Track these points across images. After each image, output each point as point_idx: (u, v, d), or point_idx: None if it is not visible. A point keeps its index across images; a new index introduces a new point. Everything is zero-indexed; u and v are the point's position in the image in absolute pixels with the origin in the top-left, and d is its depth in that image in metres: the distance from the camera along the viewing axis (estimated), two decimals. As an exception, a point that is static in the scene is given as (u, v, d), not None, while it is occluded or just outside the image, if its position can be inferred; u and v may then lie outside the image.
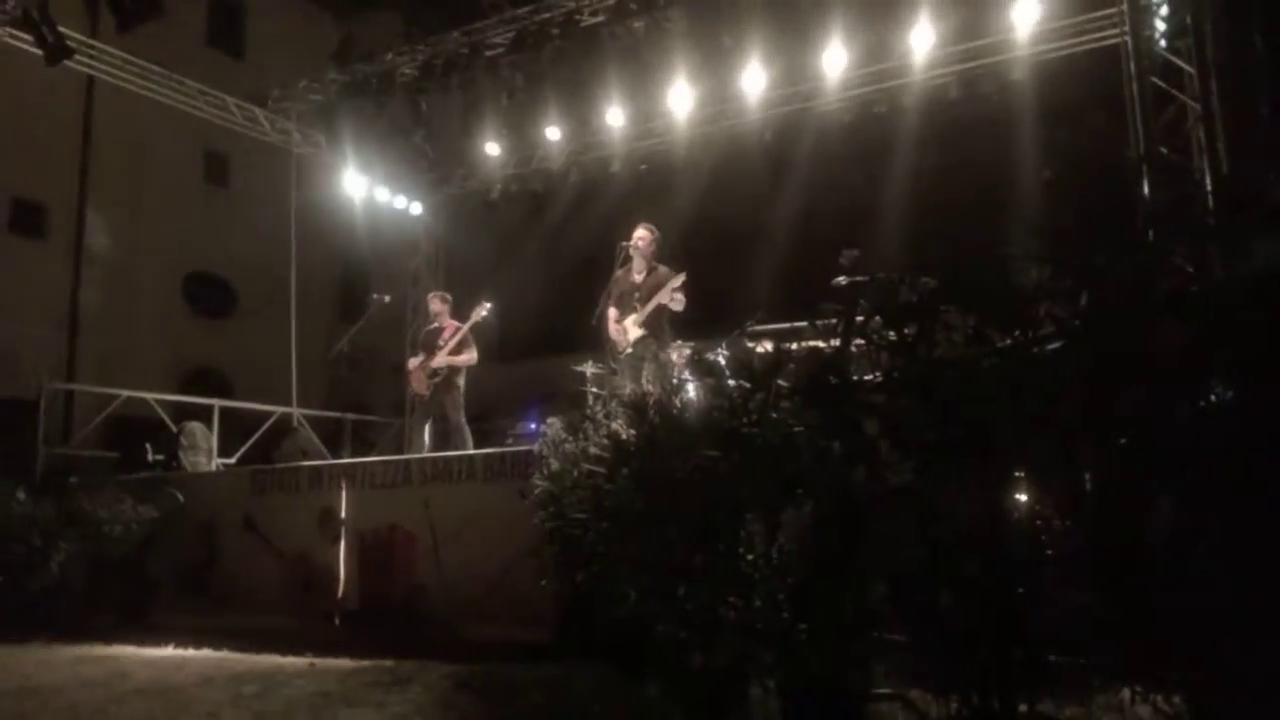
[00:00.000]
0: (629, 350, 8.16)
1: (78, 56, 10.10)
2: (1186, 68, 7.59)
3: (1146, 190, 6.44)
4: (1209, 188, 6.23)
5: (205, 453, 10.17)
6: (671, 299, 8.00)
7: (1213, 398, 2.40)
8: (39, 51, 9.56)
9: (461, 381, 9.59)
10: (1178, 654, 2.32)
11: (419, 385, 9.63)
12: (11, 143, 16.65)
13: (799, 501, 3.16)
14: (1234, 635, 2.20)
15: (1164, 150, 7.28)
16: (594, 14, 9.91)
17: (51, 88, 14.54)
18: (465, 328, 9.42)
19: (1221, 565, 2.26)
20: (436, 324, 9.83)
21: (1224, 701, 2.25)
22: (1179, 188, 6.51)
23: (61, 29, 9.65)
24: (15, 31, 9.61)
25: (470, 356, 9.50)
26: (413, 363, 9.81)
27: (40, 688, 5.42)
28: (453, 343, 9.43)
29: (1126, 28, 7.62)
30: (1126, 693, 2.49)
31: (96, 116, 18.33)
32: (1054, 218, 2.60)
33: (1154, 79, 7.39)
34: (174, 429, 10.28)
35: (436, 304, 9.94)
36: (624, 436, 4.41)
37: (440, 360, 9.43)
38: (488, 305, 9.36)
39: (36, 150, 17.22)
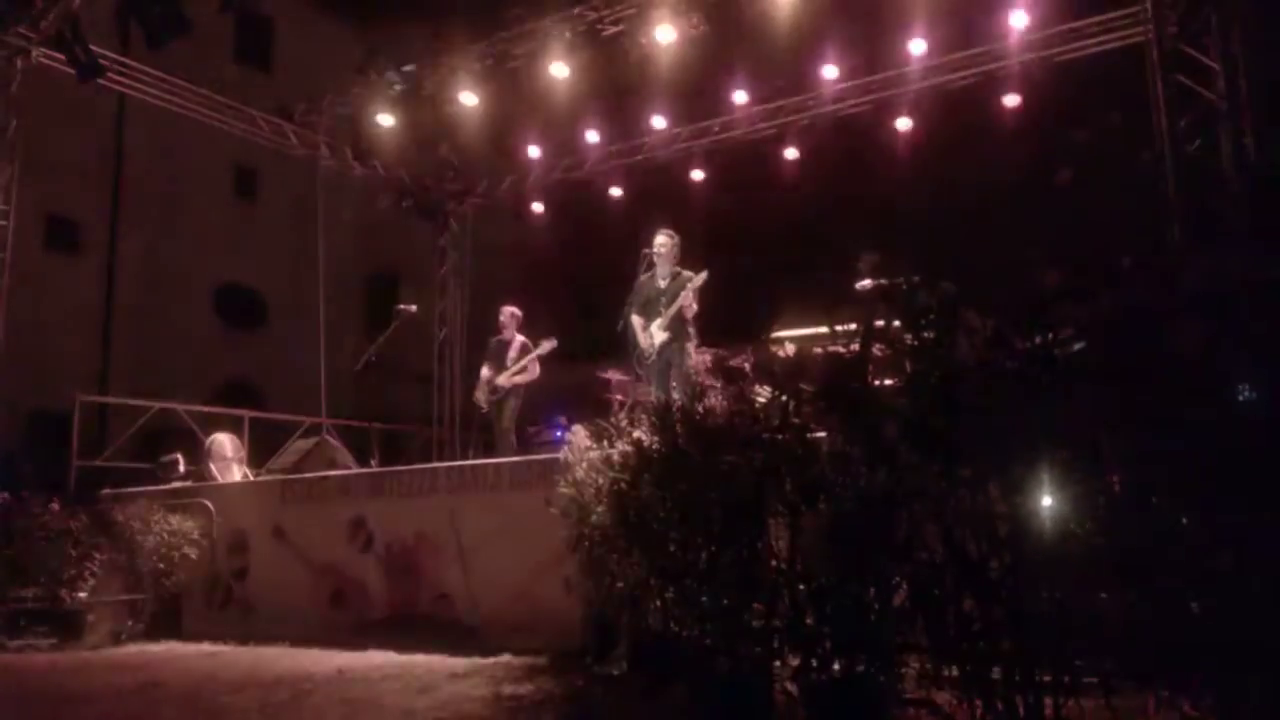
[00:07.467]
0: (654, 356, 8.18)
1: (109, 74, 10.25)
2: (1212, 65, 7.51)
3: (1172, 190, 6.39)
4: (1235, 187, 6.16)
5: (235, 463, 10.26)
6: (690, 303, 8.00)
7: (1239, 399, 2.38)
8: (71, 70, 9.72)
9: (518, 398, 10.00)
10: (1204, 656, 2.29)
11: (481, 398, 10.05)
12: (45, 160, 16.86)
13: (820, 505, 3.16)
14: (1261, 636, 2.18)
15: (1189, 149, 7.19)
16: (615, 23, 9.94)
17: (84, 105, 14.75)
18: (533, 355, 9.81)
19: (1247, 566, 2.24)
20: (504, 336, 10.15)
21: (1251, 703, 2.23)
22: (1205, 187, 6.43)
23: (93, 47, 9.80)
24: (48, 50, 9.77)
25: (532, 373, 9.90)
26: (484, 374, 10.10)
27: (74, 696, 5.49)
28: (516, 368, 9.85)
29: (1150, 25, 7.56)
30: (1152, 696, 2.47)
31: (128, 133, 18.62)
32: (1075, 220, 2.59)
33: (1179, 77, 7.31)
34: (205, 441, 10.39)
35: (505, 317, 10.25)
36: (647, 443, 4.42)
37: (505, 380, 9.88)
38: (554, 341, 9.80)
39: (70, 167, 17.47)
